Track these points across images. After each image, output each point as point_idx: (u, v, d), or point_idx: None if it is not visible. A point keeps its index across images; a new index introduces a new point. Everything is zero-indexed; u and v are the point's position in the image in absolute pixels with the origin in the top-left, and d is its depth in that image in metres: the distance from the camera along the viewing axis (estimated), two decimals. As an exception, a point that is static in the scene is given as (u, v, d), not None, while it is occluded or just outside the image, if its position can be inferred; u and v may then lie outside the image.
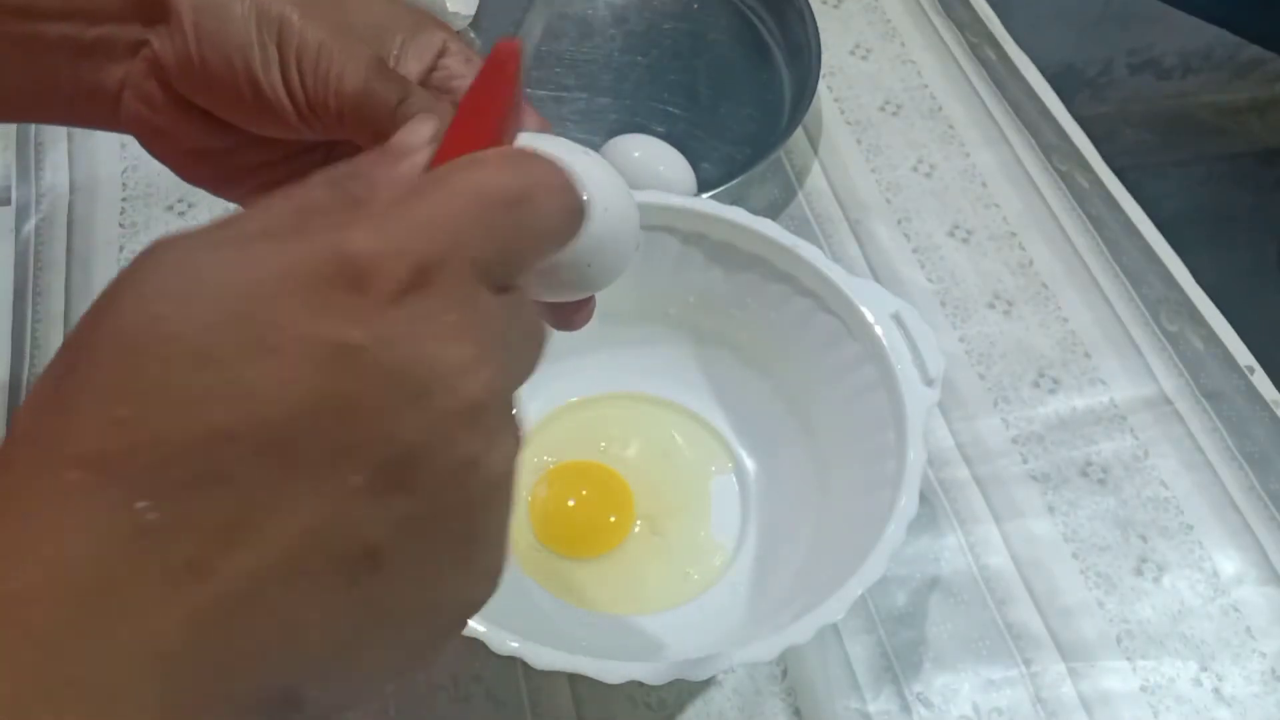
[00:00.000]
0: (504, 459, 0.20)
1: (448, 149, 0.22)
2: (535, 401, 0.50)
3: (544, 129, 0.30)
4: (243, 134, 0.32)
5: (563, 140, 0.29)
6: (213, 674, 0.17)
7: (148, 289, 0.18)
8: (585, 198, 0.23)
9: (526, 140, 0.28)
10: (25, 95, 0.32)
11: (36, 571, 0.17)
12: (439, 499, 0.19)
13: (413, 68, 0.32)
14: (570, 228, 0.22)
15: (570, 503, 0.49)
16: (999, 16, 0.74)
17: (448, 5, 0.64)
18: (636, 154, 0.58)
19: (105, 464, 0.17)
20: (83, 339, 0.18)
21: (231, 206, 0.61)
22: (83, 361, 0.18)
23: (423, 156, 0.22)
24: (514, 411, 0.21)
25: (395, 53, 0.32)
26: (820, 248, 0.50)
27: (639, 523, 0.48)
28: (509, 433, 0.20)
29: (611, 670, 0.36)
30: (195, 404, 0.17)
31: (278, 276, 0.18)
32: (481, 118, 0.24)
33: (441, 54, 0.32)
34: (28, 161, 0.62)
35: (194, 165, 0.33)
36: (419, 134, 0.23)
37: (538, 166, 0.22)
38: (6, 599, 0.16)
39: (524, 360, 0.21)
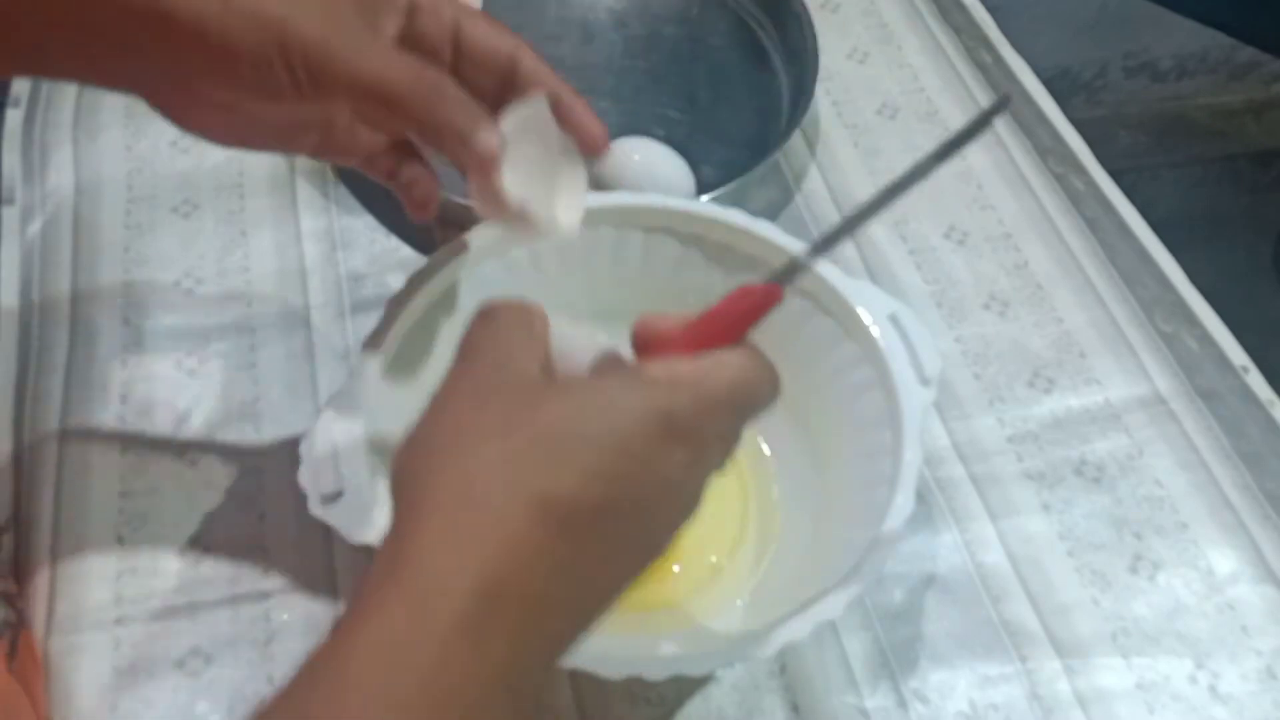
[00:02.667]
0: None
1: (713, 336, 0.31)
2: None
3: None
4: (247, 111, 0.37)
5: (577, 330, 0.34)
6: (551, 658, 0.29)
7: (563, 421, 0.28)
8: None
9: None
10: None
11: (501, 568, 0.26)
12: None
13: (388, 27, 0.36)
14: (775, 397, 0.32)
15: None
16: (995, 20, 0.74)
17: None
18: (636, 157, 0.59)
19: (559, 512, 0.27)
20: (514, 425, 0.28)
21: (236, 209, 0.61)
22: (523, 444, 0.28)
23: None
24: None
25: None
26: (818, 249, 0.50)
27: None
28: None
29: (612, 666, 0.37)
30: (597, 478, 0.27)
31: (641, 422, 0.28)
32: (738, 327, 0.32)
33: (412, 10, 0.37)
34: (32, 163, 0.62)
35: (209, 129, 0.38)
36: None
37: (768, 367, 0.31)
38: (488, 586, 0.26)
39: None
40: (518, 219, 0.37)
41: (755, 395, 0.31)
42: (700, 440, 0.29)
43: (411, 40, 0.37)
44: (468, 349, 0.31)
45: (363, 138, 0.41)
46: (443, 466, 0.28)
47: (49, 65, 0.37)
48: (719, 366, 0.30)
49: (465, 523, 0.26)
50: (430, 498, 0.27)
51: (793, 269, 0.32)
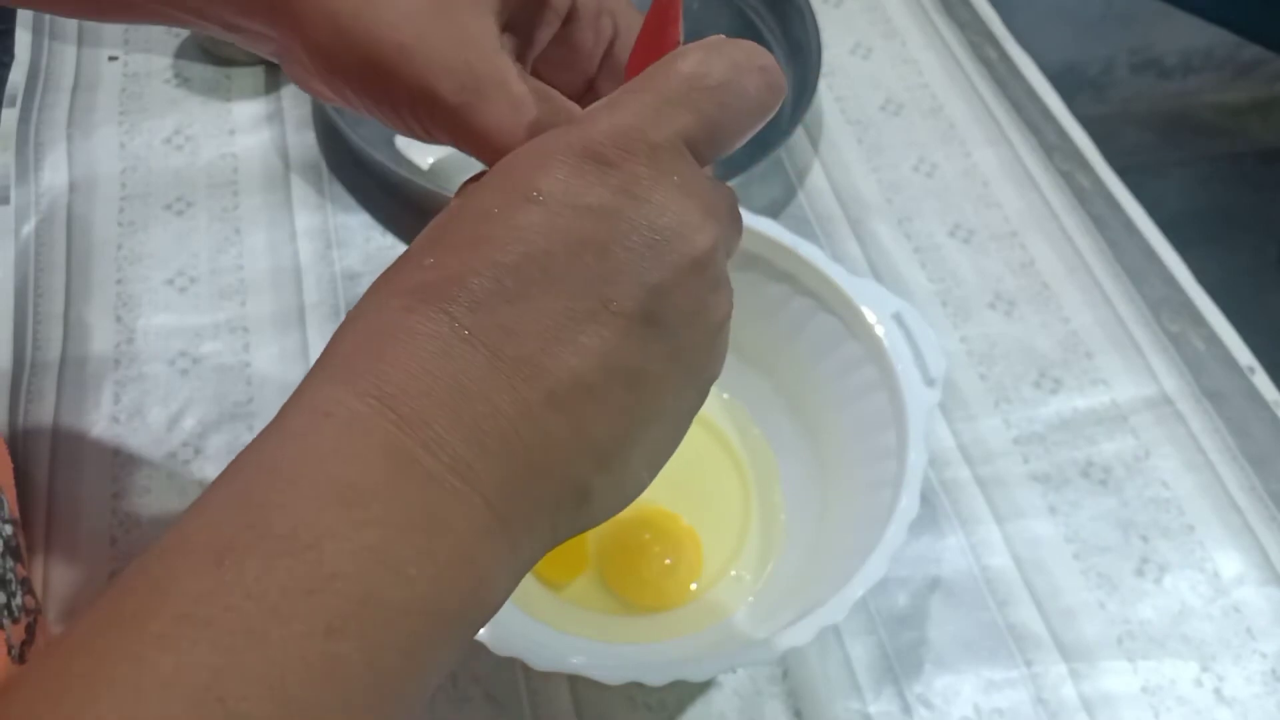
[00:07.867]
0: (723, 309, 0.25)
1: (642, 56, 0.26)
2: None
3: None
4: None
5: None
6: (529, 468, 0.22)
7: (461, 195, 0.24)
8: None
9: None
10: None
11: (395, 372, 0.21)
12: (681, 336, 0.24)
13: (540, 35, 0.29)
14: (773, 103, 0.25)
15: (665, 561, 0.47)
16: (1000, 16, 0.74)
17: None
18: None
19: (423, 292, 0.22)
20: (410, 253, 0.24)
21: (230, 206, 0.61)
22: (410, 255, 0.23)
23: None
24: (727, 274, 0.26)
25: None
26: (821, 247, 0.49)
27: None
28: (726, 288, 0.25)
29: (611, 671, 0.36)
30: (481, 243, 0.22)
31: (539, 156, 0.23)
32: (665, 29, 0.26)
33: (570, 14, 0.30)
34: (26, 161, 0.62)
35: (358, 111, 0.31)
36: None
37: (735, 50, 0.25)
38: (379, 395, 0.21)
39: (733, 232, 0.26)
40: None
41: (705, 85, 0.24)
42: (639, 158, 0.23)
43: (560, 45, 0.31)
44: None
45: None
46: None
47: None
48: (642, 78, 0.24)
49: (336, 349, 0.23)
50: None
51: None
